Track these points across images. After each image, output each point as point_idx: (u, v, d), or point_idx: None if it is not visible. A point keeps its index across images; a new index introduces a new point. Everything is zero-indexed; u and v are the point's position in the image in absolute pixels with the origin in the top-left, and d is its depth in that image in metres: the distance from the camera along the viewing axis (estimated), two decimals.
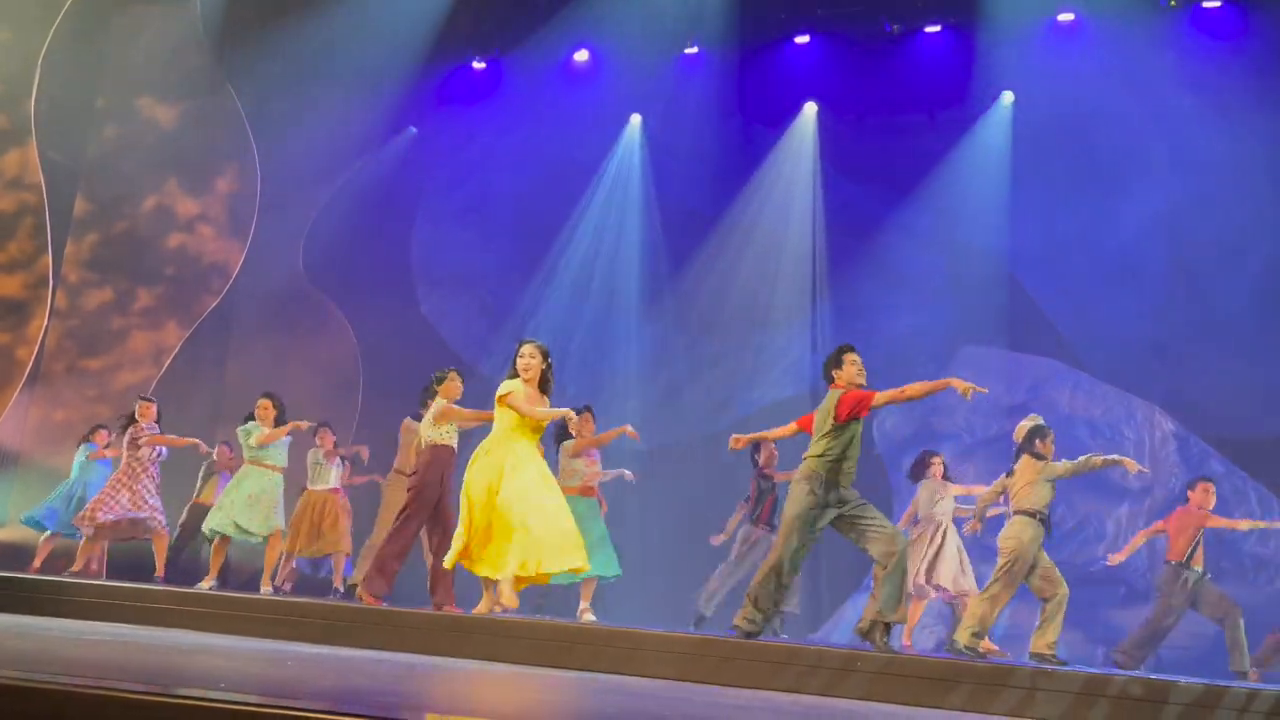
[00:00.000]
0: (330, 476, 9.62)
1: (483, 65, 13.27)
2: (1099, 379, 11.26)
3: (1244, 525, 8.66)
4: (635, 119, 13.07)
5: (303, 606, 7.34)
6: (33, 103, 11.47)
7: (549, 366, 7.04)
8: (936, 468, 8.91)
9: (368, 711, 2.75)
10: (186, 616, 7.07)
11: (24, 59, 11.49)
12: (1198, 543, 8.32)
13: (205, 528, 8.83)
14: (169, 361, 11.57)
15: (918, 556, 8.53)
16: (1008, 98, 11.77)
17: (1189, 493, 8.58)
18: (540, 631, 6.56)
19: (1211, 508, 8.42)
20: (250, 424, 8.83)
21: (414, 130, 13.35)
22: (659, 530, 10.71)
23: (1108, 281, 11.24)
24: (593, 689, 4.89)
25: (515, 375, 6.97)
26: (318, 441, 9.70)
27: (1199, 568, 8.30)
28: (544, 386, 7.03)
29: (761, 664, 5.89)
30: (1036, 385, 11.40)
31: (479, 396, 9.43)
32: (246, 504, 8.70)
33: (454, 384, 7.91)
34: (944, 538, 8.69)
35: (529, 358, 6.96)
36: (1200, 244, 10.86)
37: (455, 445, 7.79)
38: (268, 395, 8.92)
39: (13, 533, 10.10)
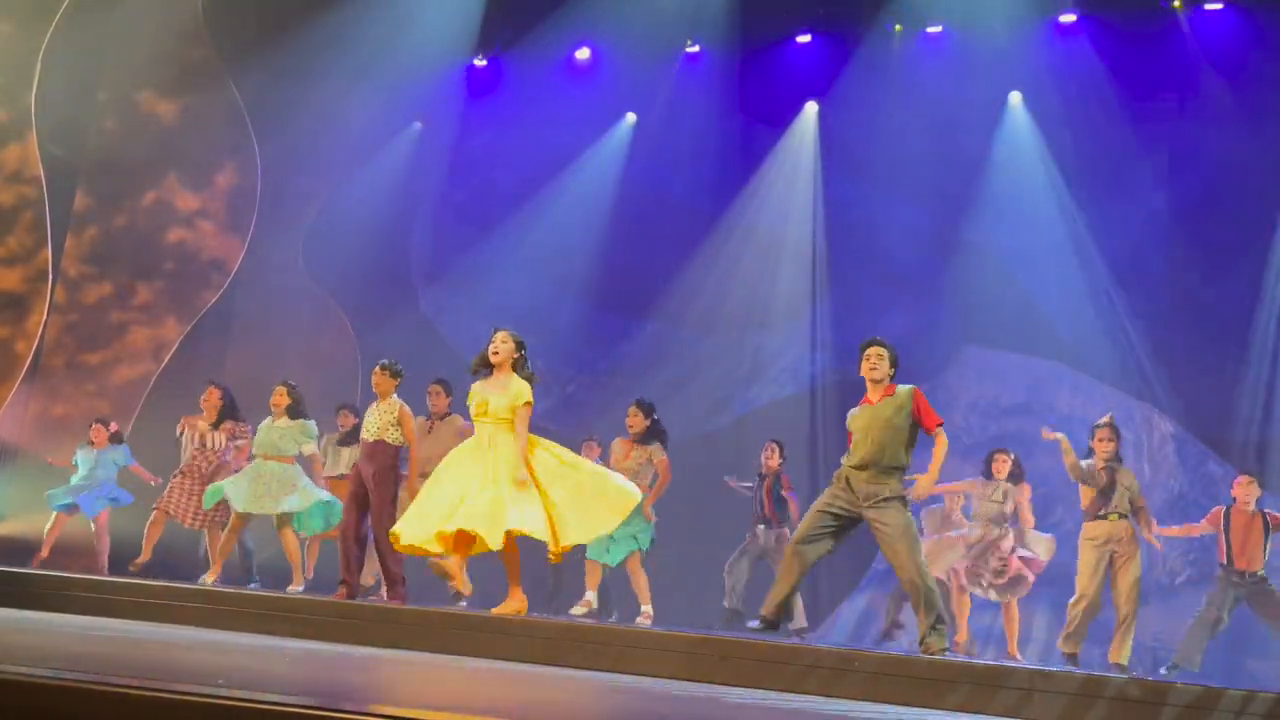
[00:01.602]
0: (342, 461, 9.64)
1: (484, 62, 13.28)
2: (1098, 380, 11.27)
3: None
4: (630, 117, 13.07)
5: (301, 603, 7.35)
6: (33, 96, 11.45)
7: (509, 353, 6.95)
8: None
9: (364, 709, 2.75)
10: (186, 612, 7.08)
11: (24, 52, 11.47)
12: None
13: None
14: (168, 357, 11.56)
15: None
16: (1015, 98, 11.76)
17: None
18: (538, 629, 6.57)
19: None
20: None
21: (419, 125, 13.35)
22: (658, 528, 10.69)
23: (1108, 282, 11.26)
24: (590, 688, 4.90)
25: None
26: (339, 424, 9.74)
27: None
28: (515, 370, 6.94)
29: (759, 663, 5.89)
30: (1036, 386, 11.41)
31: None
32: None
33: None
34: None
35: (500, 343, 6.90)
36: (1200, 245, 10.87)
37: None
38: (284, 383, 8.92)
39: (12, 527, 10.10)
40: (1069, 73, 11.42)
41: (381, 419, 7.94)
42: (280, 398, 8.81)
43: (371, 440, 7.85)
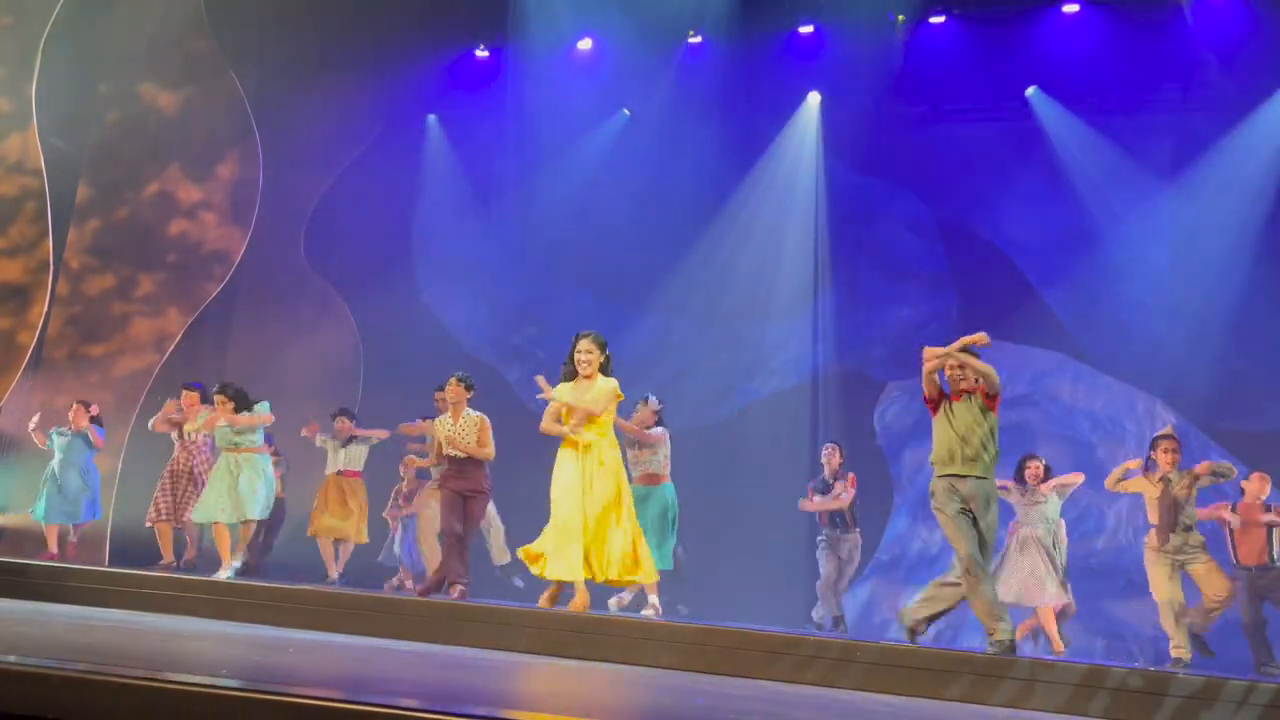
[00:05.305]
0: (340, 459, 9.78)
1: (486, 53, 13.25)
2: (1100, 371, 11.26)
3: None
4: (625, 112, 13.04)
5: (302, 594, 7.35)
6: (34, 88, 11.43)
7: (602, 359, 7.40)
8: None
9: (371, 699, 2.75)
10: (188, 603, 7.09)
11: (26, 44, 11.45)
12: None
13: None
14: (171, 349, 11.56)
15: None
16: (1031, 91, 11.70)
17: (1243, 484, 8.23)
18: (544, 621, 6.57)
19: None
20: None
21: (432, 117, 13.36)
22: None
23: (1111, 274, 11.25)
24: (597, 679, 4.90)
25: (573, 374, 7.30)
26: (336, 427, 9.82)
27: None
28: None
29: (762, 654, 5.90)
30: (1038, 377, 11.40)
31: (481, 386, 9.44)
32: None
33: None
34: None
35: (585, 353, 7.28)
36: (1203, 236, 10.86)
37: None
38: (222, 389, 8.78)
39: (14, 519, 10.10)
40: (1072, 63, 11.39)
41: (469, 433, 7.94)
42: (224, 405, 8.68)
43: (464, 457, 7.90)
